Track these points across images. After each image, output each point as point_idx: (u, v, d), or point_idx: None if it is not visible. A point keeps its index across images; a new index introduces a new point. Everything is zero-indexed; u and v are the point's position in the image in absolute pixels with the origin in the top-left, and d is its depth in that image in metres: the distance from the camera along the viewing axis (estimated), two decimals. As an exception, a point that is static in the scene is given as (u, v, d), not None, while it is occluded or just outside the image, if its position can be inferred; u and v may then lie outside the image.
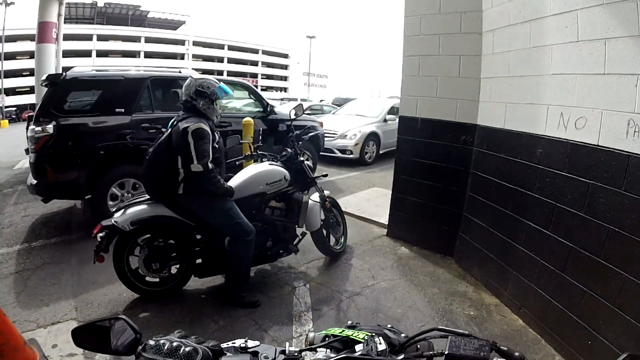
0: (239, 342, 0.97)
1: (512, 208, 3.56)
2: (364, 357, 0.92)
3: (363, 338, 0.98)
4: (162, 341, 0.87)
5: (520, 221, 3.43)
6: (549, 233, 3.12)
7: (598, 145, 2.68)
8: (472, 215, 4.18)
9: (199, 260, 3.58)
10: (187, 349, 0.85)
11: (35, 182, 4.88)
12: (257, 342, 0.98)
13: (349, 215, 5.52)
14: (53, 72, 11.20)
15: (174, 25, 64.43)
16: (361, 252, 4.71)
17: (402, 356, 0.97)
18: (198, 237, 3.52)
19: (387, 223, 5.25)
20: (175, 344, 0.86)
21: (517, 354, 0.88)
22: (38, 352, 2.71)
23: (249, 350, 0.95)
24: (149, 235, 3.40)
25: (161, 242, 3.42)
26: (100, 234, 3.17)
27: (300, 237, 4.03)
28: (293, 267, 4.26)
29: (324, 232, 4.31)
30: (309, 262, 4.38)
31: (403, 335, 1.05)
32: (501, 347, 0.90)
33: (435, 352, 0.94)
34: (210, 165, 3.13)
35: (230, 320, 3.28)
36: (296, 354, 0.95)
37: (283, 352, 0.95)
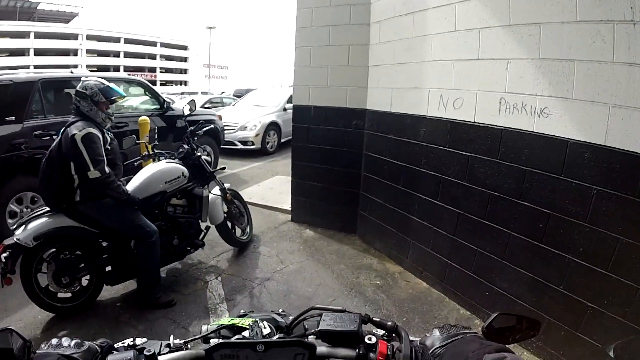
0: (127, 341, 0.96)
1: (404, 183, 3.91)
2: (239, 341, 0.95)
3: (248, 324, 1.01)
4: (52, 340, 0.86)
5: (412, 194, 3.79)
6: (438, 202, 3.50)
7: (475, 122, 3.08)
8: (368, 194, 4.49)
9: (108, 268, 3.41)
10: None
11: None
12: (145, 339, 0.97)
13: (254, 205, 5.56)
14: None
15: (66, 17, 56.51)
16: (268, 239, 4.81)
17: (277, 336, 1.03)
18: (104, 244, 3.35)
19: (290, 209, 5.40)
20: (63, 339, 0.85)
21: (389, 322, 0.96)
22: None
23: (136, 347, 0.94)
24: (54, 250, 3.18)
25: (67, 254, 3.21)
26: (4, 255, 2.89)
27: (205, 231, 4.01)
28: (203, 262, 4.21)
29: (229, 224, 4.33)
30: (218, 255, 4.37)
31: (291, 317, 1.10)
32: (374, 319, 0.97)
33: (312, 330, 0.99)
34: (107, 169, 3.02)
35: (148, 323, 3.20)
36: (181, 345, 0.98)
37: (168, 345, 0.96)
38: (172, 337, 0.98)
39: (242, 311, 1.15)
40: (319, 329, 0.93)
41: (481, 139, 3.04)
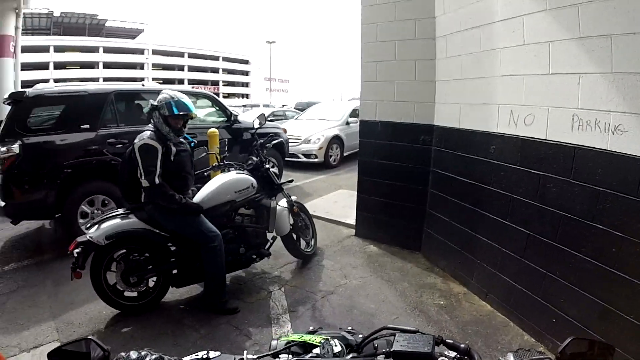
0: (201, 354, 0.98)
1: (472, 202, 3.78)
2: (312, 359, 0.98)
3: (319, 342, 1.02)
4: (131, 353, 0.91)
5: (480, 213, 3.65)
6: (507, 223, 3.34)
7: (546, 140, 2.92)
8: (435, 211, 4.39)
9: (175, 271, 3.58)
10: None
11: (2, 204, 4.70)
12: (218, 353, 0.99)
13: (318, 218, 5.62)
14: (12, 87, 10.62)
15: (132, 34, 62.40)
16: (332, 253, 4.83)
17: (350, 356, 1.03)
18: (172, 248, 3.53)
19: (355, 223, 5.40)
20: (143, 352, 0.90)
21: (462, 345, 0.96)
22: None
23: None
24: (124, 250, 3.40)
25: (137, 255, 3.41)
26: (76, 250, 3.14)
27: (271, 241, 4.10)
28: (267, 272, 4.32)
29: (294, 236, 4.41)
30: (282, 266, 4.45)
31: (361, 336, 1.10)
32: (447, 340, 0.97)
33: (384, 350, 1.00)
34: (157, 180, 3.19)
35: (211, 328, 3.31)
36: None
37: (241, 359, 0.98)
38: (245, 352, 1.01)
39: (310, 327, 1.18)
40: (392, 349, 0.95)
41: (553, 157, 2.89)
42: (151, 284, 3.53)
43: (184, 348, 3.01)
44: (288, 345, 1.05)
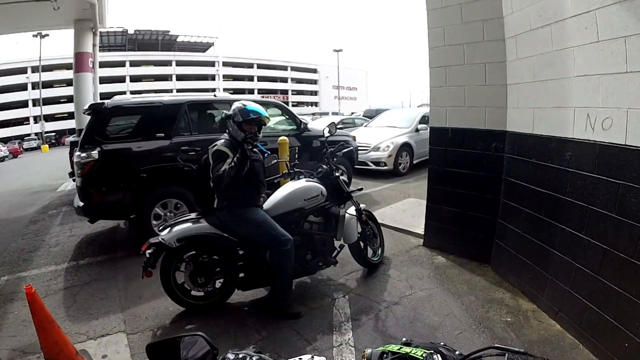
0: (305, 358, 0.98)
1: (546, 213, 3.53)
2: None
3: (422, 355, 0.99)
4: (241, 355, 0.93)
5: (554, 225, 3.40)
6: (582, 236, 3.07)
7: (626, 145, 2.65)
8: (506, 222, 4.15)
9: (241, 274, 3.71)
10: None
11: (82, 204, 5.16)
12: (324, 358, 0.99)
13: (386, 227, 5.56)
14: (91, 99, 11.83)
15: (202, 47, 66.88)
16: (398, 263, 4.74)
17: None
18: (241, 252, 3.65)
19: (423, 233, 5.27)
20: (255, 358, 0.92)
21: None
22: None
23: None
24: (194, 252, 3.58)
25: (206, 257, 3.58)
26: (149, 251, 3.39)
27: (339, 249, 4.11)
28: (332, 279, 4.32)
29: (361, 244, 4.39)
30: (347, 274, 4.44)
31: (457, 352, 1.05)
32: None
33: None
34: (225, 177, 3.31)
35: (272, 330, 3.38)
36: None
37: None
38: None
39: (404, 339, 1.15)
40: None
41: (633, 165, 2.61)
42: (218, 285, 3.68)
43: (244, 348, 3.10)
44: (386, 356, 1.05)
